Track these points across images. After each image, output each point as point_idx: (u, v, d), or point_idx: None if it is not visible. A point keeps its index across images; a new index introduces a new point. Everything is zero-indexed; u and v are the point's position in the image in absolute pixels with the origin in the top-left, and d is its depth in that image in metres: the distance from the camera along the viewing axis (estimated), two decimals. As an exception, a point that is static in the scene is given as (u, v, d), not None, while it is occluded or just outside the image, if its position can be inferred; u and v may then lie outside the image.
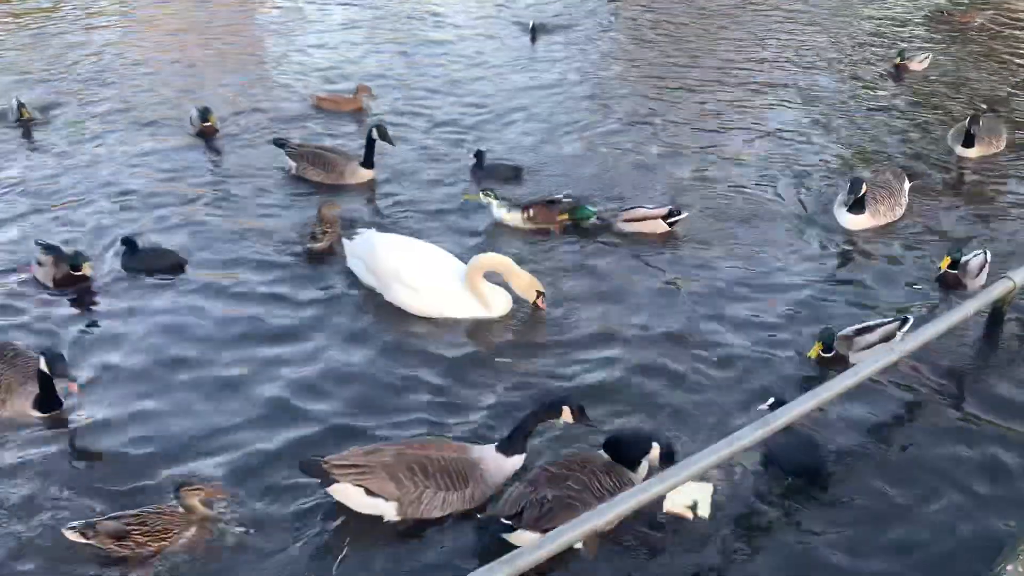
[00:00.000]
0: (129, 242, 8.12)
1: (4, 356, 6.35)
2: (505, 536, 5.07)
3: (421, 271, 7.48)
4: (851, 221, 8.75)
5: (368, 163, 9.48)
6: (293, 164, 9.73)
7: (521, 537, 5.04)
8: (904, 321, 6.82)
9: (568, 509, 5.08)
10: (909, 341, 6.38)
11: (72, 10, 16.25)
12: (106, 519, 5.05)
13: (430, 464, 5.32)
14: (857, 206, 8.65)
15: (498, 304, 7.45)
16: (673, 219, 8.48)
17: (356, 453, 5.39)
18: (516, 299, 7.52)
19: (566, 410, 5.61)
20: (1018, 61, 13.93)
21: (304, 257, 8.32)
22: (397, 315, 7.47)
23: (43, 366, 5.95)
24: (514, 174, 9.72)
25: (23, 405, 6.09)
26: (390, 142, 9.45)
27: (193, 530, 5.11)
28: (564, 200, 8.73)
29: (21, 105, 10.81)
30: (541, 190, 9.45)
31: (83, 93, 12.13)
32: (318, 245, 8.32)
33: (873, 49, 14.36)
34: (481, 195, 8.62)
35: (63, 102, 11.74)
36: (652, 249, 8.47)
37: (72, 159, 10.20)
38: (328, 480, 5.25)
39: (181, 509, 5.08)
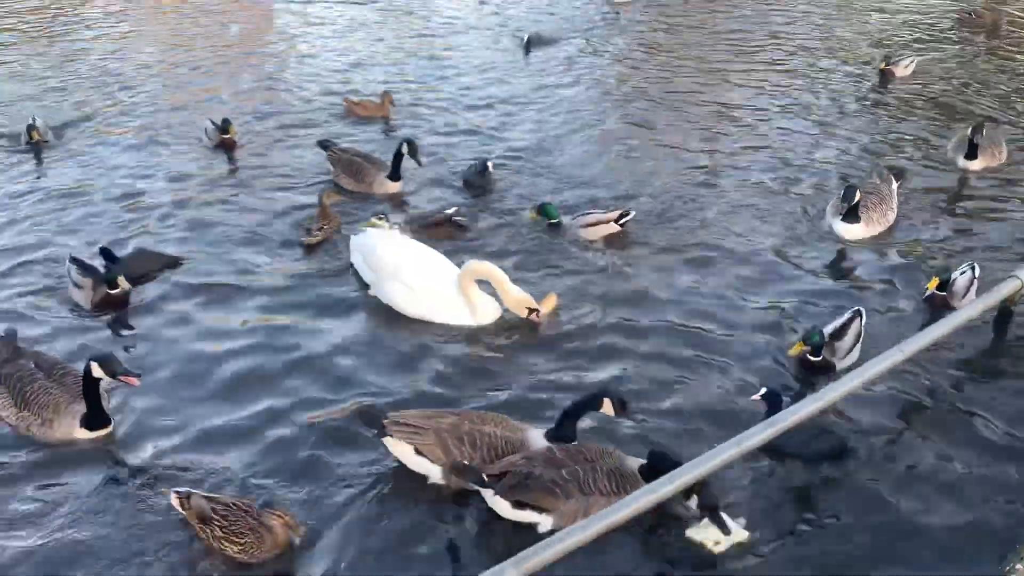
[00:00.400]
0: (106, 252, 7.91)
1: (52, 374, 6.19)
2: (485, 498, 5.20)
3: (418, 271, 7.47)
4: (846, 231, 8.63)
5: (395, 176, 9.43)
6: (332, 169, 9.78)
7: (495, 501, 5.19)
8: (858, 313, 6.82)
9: (544, 492, 5.15)
10: (916, 340, 6.24)
11: (77, 19, 16.26)
12: (203, 495, 5.04)
13: (480, 438, 5.46)
14: (851, 215, 8.52)
15: (485, 313, 7.35)
16: (623, 220, 8.65)
17: (417, 414, 5.57)
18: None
19: (607, 402, 5.63)
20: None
21: (302, 252, 8.37)
22: (393, 313, 7.49)
23: (96, 371, 5.76)
24: (481, 169, 9.69)
25: (70, 425, 5.94)
26: (418, 161, 9.38)
27: (263, 551, 4.97)
28: (455, 217, 8.71)
29: (31, 128, 10.56)
30: (534, 190, 9.63)
31: (93, 107, 12.04)
32: (312, 239, 8.39)
33: (875, 51, 14.18)
34: (374, 219, 8.45)
35: (72, 120, 11.54)
36: (644, 255, 8.45)
37: (84, 177, 10.03)
38: (383, 432, 5.46)
39: (263, 518, 4.95)
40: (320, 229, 8.45)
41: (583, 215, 8.79)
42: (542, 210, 8.79)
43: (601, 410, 5.66)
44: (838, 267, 8.32)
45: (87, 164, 10.31)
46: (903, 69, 12.98)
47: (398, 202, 9.43)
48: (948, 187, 9.76)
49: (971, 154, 9.85)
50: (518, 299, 7.17)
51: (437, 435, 5.43)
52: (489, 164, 9.65)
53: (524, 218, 8.98)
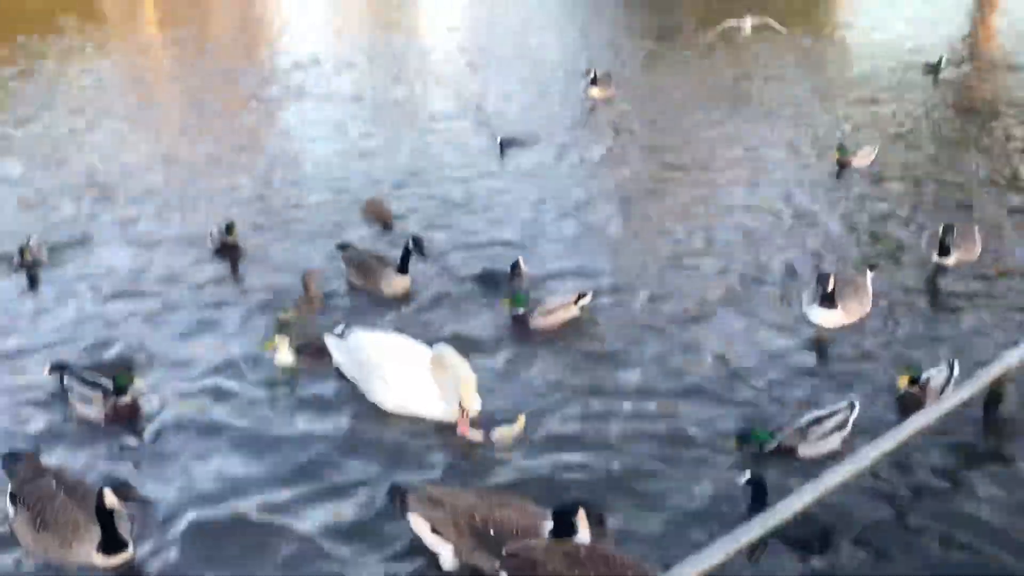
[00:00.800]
0: (59, 366, 7.70)
1: (74, 493, 5.99)
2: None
3: (393, 363, 7.39)
4: (824, 318, 8.54)
5: (403, 269, 9.44)
6: (346, 268, 9.85)
7: None
8: (852, 406, 6.81)
9: None
10: (907, 426, 6.27)
11: (63, 116, 16.44)
12: None
13: (493, 521, 5.42)
14: (829, 301, 8.45)
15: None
16: (581, 302, 8.80)
17: (439, 491, 5.69)
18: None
19: (581, 514, 5.47)
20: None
21: (274, 328, 8.41)
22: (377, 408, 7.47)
23: (109, 500, 5.59)
24: (512, 269, 9.69)
25: (88, 549, 5.72)
26: (423, 255, 9.45)
27: None
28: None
29: (24, 248, 10.14)
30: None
31: (88, 214, 11.81)
32: (286, 316, 8.48)
33: (860, 141, 14.03)
34: (276, 337, 8.09)
35: (69, 234, 11.15)
36: (620, 342, 8.48)
37: (77, 288, 9.78)
38: (405, 507, 5.65)
39: None
40: (296, 308, 8.45)
41: (541, 304, 8.79)
42: (513, 298, 8.77)
43: (575, 519, 5.44)
44: (814, 355, 8.28)
45: (81, 277, 10.02)
46: (861, 159, 12.98)
47: (407, 297, 9.40)
48: (923, 280, 9.72)
49: (944, 252, 9.75)
50: (459, 383, 6.86)
51: (453, 513, 5.49)
52: (521, 262, 9.62)
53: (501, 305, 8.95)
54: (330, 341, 8.01)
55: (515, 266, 9.58)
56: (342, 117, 16.64)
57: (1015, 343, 7.29)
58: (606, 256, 10.41)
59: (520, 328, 8.62)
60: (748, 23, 15.98)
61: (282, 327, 8.34)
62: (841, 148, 13.12)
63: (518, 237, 10.88)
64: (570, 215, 11.59)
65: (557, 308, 8.66)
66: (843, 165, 12.91)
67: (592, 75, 17.25)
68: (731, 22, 14.75)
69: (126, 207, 12.02)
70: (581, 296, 8.73)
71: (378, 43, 24.01)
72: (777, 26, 19.84)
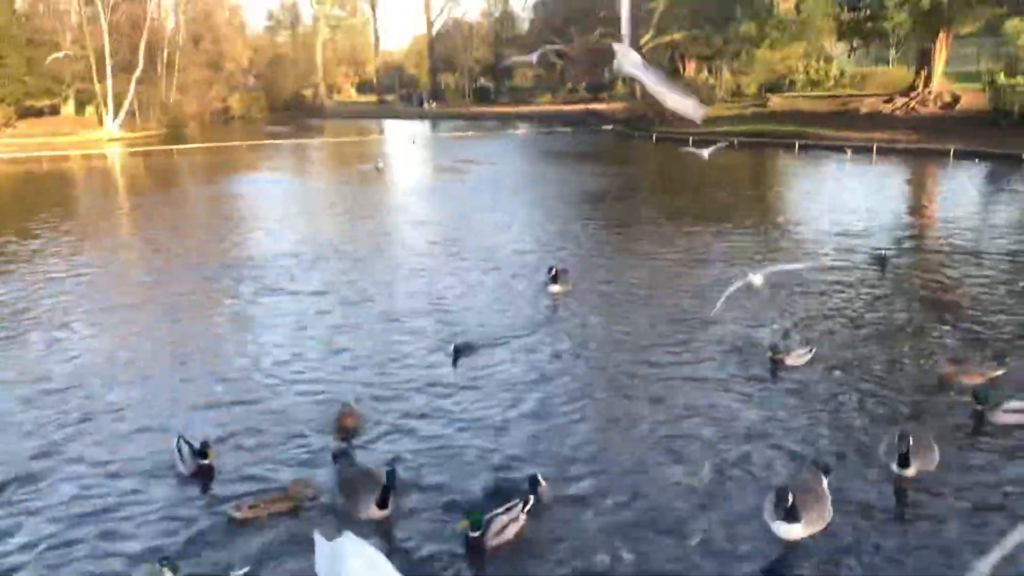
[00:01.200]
0: None
1: None
2: None
3: None
4: (788, 531, 8.43)
5: (382, 504, 9.16)
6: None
7: None
8: None
9: None
10: None
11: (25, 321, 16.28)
12: None
13: None
14: (791, 515, 8.37)
15: None
16: (527, 508, 8.84)
17: None
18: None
19: None
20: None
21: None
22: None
23: None
24: (532, 487, 9.43)
25: None
26: (394, 489, 9.22)
27: None
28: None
29: None
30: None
31: (47, 441, 11.08)
32: (242, 514, 8.20)
33: (788, 336, 14.25)
34: (158, 563, 7.67)
35: (12, 472, 10.34)
36: (574, 545, 8.42)
37: (25, 532, 9.11)
38: None
39: None
40: (252, 507, 8.21)
41: (493, 523, 8.59)
42: (470, 519, 8.55)
43: None
44: (778, 569, 8.13)
45: (25, 519, 9.28)
46: (795, 358, 12.92)
47: (383, 526, 9.07)
48: (883, 490, 9.46)
49: (903, 462, 9.55)
50: None
51: None
52: (540, 479, 9.36)
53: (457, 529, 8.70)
54: (318, 539, 7.60)
55: (534, 482, 9.34)
56: (309, 313, 16.75)
57: (983, 552, 7.10)
58: (564, 454, 10.32)
59: (476, 549, 8.41)
60: (761, 278, 15.25)
61: (163, 560, 7.71)
62: (773, 347, 13.17)
63: (484, 441, 10.74)
64: (530, 413, 11.52)
65: (508, 523, 8.56)
66: (777, 364, 12.84)
67: (552, 273, 17.79)
68: (739, 282, 14.22)
69: (82, 423, 11.50)
70: (526, 503, 8.71)
71: (346, 238, 24.61)
72: (796, 267, 18.56)
